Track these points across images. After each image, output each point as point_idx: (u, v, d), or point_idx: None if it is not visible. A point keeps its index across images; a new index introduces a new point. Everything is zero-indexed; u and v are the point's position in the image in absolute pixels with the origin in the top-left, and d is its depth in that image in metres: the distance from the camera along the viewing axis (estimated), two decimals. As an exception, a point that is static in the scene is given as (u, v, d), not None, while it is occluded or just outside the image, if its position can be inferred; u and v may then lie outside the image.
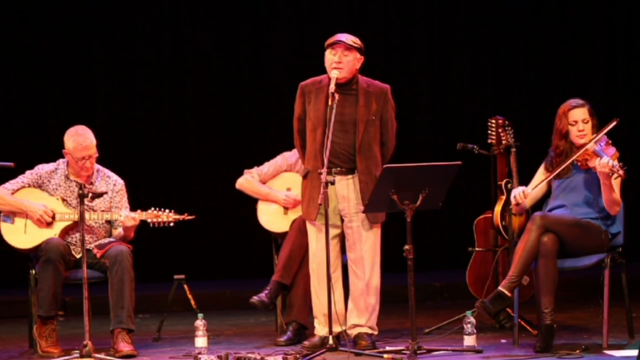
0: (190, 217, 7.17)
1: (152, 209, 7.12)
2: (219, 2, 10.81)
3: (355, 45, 6.81)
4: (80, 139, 7.07)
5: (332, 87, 6.67)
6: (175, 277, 7.65)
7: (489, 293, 6.74)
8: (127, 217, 7.03)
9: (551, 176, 6.73)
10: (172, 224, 7.15)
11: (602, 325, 6.57)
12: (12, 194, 7.10)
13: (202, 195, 10.65)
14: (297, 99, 6.91)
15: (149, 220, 7.10)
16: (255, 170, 7.63)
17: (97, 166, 7.21)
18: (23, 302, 7.44)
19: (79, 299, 6.66)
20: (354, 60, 6.81)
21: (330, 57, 6.80)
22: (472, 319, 6.59)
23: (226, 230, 10.61)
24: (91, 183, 7.13)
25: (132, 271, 6.95)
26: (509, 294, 6.50)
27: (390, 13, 10.98)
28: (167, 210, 7.13)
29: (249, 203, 7.66)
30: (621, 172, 6.41)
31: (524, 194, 6.72)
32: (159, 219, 7.10)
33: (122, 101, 10.70)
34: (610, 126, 6.65)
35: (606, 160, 6.46)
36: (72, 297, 8.38)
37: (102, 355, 6.57)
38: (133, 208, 7.21)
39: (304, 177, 6.88)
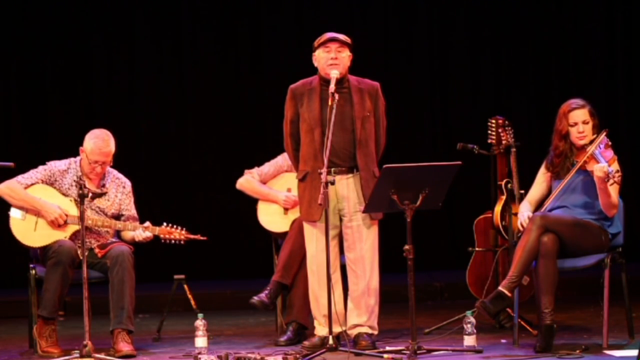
0: (202, 238, 7.18)
1: (165, 224, 7.12)
2: (219, 3, 10.82)
3: (348, 42, 6.83)
4: (101, 143, 7.05)
5: (332, 87, 6.67)
6: (175, 277, 7.65)
7: (489, 293, 6.75)
8: (140, 235, 7.03)
9: (560, 187, 6.72)
10: (182, 242, 7.16)
11: (602, 325, 6.57)
12: (26, 189, 7.08)
13: (202, 195, 10.65)
14: (288, 102, 6.91)
15: (161, 236, 7.10)
16: (255, 170, 7.63)
17: (107, 168, 7.21)
18: (23, 302, 7.42)
19: (79, 299, 6.66)
20: (347, 57, 6.83)
21: (324, 55, 6.80)
22: (472, 319, 6.58)
23: (226, 230, 10.60)
24: (103, 185, 7.14)
25: (133, 272, 6.95)
26: (509, 294, 6.50)
27: (390, 12, 10.98)
28: (179, 228, 7.13)
29: (249, 203, 7.66)
30: (616, 178, 6.41)
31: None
32: (172, 236, 7.12)
33: (122, 102, 10.69)
34: (602, 137, 6.67)
35: (601, 165, 6.46)
36: (72, 297, 8.37)
37: (102, 355, 6.57)
38: (136, 209, 7.22)
39: (302, 179, 6.86)
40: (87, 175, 7.11)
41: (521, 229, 6.71)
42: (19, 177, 7.09)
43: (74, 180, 7.02)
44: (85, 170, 7.11)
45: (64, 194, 7.10)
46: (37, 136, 10.43)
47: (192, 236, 7.16)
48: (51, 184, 7.12)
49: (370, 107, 6.84)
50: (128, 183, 7.27)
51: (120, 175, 7.28)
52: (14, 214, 7.07)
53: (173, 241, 7.13)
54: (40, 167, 7.17)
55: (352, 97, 6.81)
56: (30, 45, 10.51)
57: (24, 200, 7.05)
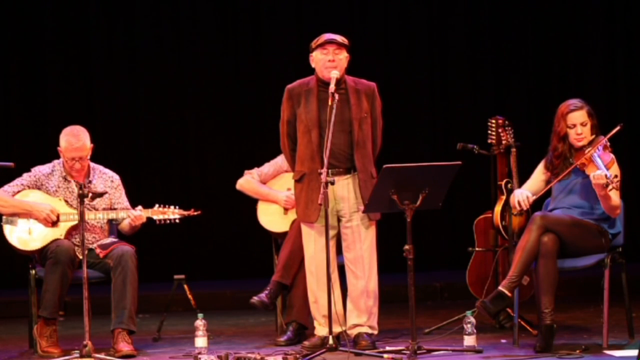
0: (196, 213, 7.16)
1: (157, 205, 7.11)
2: (219, 2, 10.81)
3: (345, 43, 6.83)
4: (73, 139, 7.05)
5: (332, 87, 6.67)
6: (175, 277, 7.65)
7: (489, 293, 6.75)
8: (135, 217, 7.02)
9: (553, 183, 6.71)
10: (178, 221, 7.14)
11: (602, 325, 6.57)
12: (13, 196, 7.08)
13: (203, 195, 10.64)
14: (285, 102, 6.91)
15: (156, 217, 7.09)
16: (255, 170, 7.63)
17: (92, 165, 7.21)
18: (23, 302, 7.43)
19: (79, 299, 6.66)
20: (344, 59, 6.83)
21: (321, 56, 6.80)
22: (472, 319, 6.58)
23: (226, 230, 10.61)
24: (89, 182, 7.12)
25: (136, 272, 6.94)
26: (509, 294, 6.50)
27: (391, 13, 10.98)
28: (172, 207, 7.13)
29: (249, 203, 7.66)
30: (614, 184, 6.39)
31: (529, 200, 6.69)
32: (166, 216, 7.10)
33: (122, 101, 10.70)
34: (614, 131, 6.65)
35: (599, 173, 6.44)
36: (72, 297, 8.37)
37: (102, 355, 6.57)
38: (134, 206, 7.21)
39: (298, 180, 6.86)
40: (69, 174, 7.11)
41: (517, 207, 6.68)
42: (5, 187, 7.11)
43: (76, 183, 7.01)
44: (67, 169, 7.11)
45: (51, 195, 7.09)
46: (37, 136, 10.42)
47: (185, 212, 7.15)
48: (37, 188, 7.12)
49: (367, 108, 6.84)
50: (116, 177, 7.26)
51: (107, 170, 7.26)
52: (7, 223, 7.07)
53: (168, 221, 7.11)
54: (25, 174, 7.17)
55: (350, 98, 6.80)
56: (30, 45, 10.50)
57: (14, 206, 7.05)
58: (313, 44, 6.85)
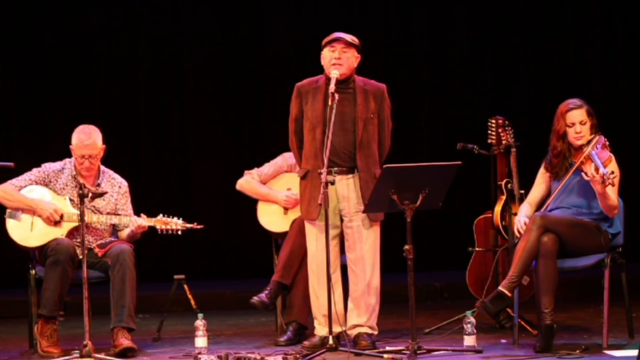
0: (199, 226, 7.17)
1: (161, 215, 7.12)
2: (219, 2, 10.81)
3: (354, 43, 6.83)
4: (84, 137, 7.06)
5: (332, 87, 6.67)
6: (175, 277, 7.65)
7: (489, 293, 6.75)
8: (138, 226, 7.03)
9: (558, 189, 6.72)
10: (180, 232, 7.15)
11: (602, 325, 6.57)
12: (19, 190, 7.09)
13: (203, 195, 10.65)
14: (294, 99, 6.92)
15: (158, 226, 7.10)
16: (255, 171, 7.63)
17: (102, 168, 7.21)
18: (23, 302, 7.43)
19: (79, 299, 6.66)
20: (353, 58, 6.83)
21: (329, 54, 6.81)
22: (472, 319, 6.59)
23: (226, 230, 10.60)
24: (98, 185, 7.13)
25: (134, 270, 6.94)
26: (509, 294, 6.50)
27: (391, 12, 10.98)
28: (175, 218, 7.13)
29: (249, 203, 7.66)
30: (611, 180, 6.39)
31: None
32: (168, 227, 7.11)
33: (122, 102, 10.69)
34: (597, 137, 6.67)
35: (593, 173, 6.44)
36: (72, 297, 8.37)
37: (102, 355, 6.57)
38: (135, 208, 7.22)
39: (303, 177, 6.87)
40: (79, 173, 7.11)
41: (517, 235, 6.69)
42: (13, 180, 7.12)
43: (76, 183, 7.02)
44: (78, 169, 7.11)
45: (58, 193, 7.10)
46: (37, 136, 10.41)
47: (188, 225, 7.16)
48: (45, 185, 7.12)
49: (375, 109, 6.84)
50: (124, 183, 7.26)
51: (116, 176, 7.27)
52: (10, 217, 7.07)
53: (170, 231, 7.13)
54: (34, 170, 7.18)
55: (357, 97, 6.81)
56: (30, 44, 10.50)
57: (19, 201, 7.06)
58: (323, 42, 6.86)
